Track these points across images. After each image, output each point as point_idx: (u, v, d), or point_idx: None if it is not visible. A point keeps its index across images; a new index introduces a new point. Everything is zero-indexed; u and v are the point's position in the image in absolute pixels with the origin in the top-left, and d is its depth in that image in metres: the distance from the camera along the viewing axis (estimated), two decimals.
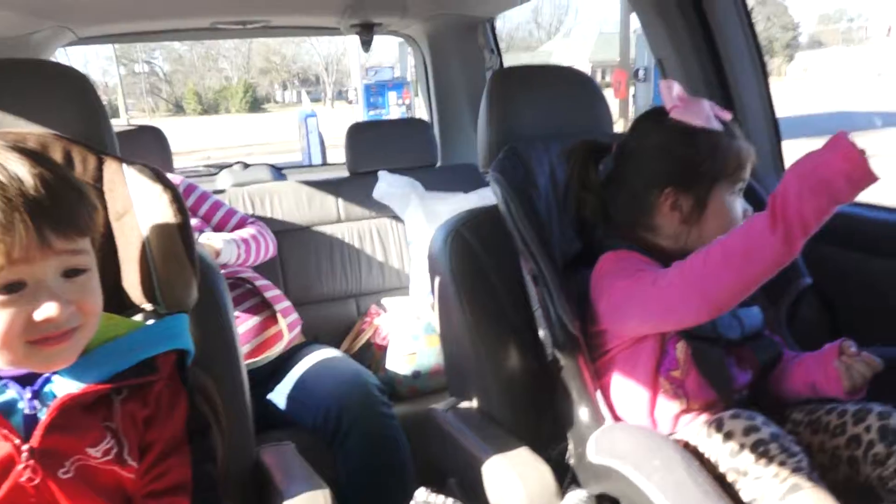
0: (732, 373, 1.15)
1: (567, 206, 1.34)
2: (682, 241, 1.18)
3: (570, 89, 1.48)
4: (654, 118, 1.24)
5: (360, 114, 12.16)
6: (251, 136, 17.71)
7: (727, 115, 1.20)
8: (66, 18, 2.11)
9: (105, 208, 1.03)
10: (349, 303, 2.27)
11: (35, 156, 0.81)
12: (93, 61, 31.51)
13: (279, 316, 1.72)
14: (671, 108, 1.19)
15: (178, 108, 33.42)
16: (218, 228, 1.91)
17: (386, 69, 13.57)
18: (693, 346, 1.11)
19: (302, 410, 1.64)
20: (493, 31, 2.63)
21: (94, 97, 1.11)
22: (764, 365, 1.19)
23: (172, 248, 1.00)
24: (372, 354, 2.02)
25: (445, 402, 1.44)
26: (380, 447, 1.59)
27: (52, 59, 2.30)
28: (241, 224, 1.95)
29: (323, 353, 1.75)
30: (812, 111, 14.94)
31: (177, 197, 1.02)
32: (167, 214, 1.00)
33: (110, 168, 1.04)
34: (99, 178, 1.04)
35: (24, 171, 0.76)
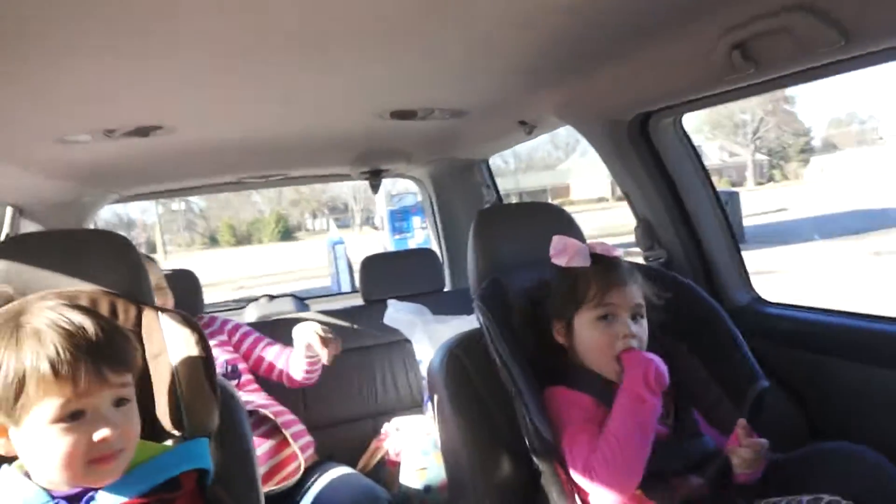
0: (685, 482, 1.30)
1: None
2: (581, 362, 1.41)
3: (547, 222, 1.66)
4: None
5: (386, 238, 12.56)
6: (282, 264, 18.22)
7: (611, 252, 1.44)
8: (111, 185, 2.45)
9: (143, 349, 1.23)
10: (366, 423, 2.42)
11: (91, 310, 1.03)
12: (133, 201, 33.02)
13: (290, 440, 1.86)
14: (550, 255, 1.47)
15: (213, 241, 34.71)
16: (247, 354, 2.12)
17: (409, 195, 14.11)
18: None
19: None
20: (489, 170, 2.91)
21: (134, 255, 1.33)
22: (712, 480, 1.32)
23: (197, 379, 1.18)
24: (387, 472, 2.14)
25: None
26: None
27: (99, 214, 2.60)
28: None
29: (337, 472, 1.89)
30: (835, 210, 15.10)
31: (202, 337, 1.22)
32: (193, 351, 1.20)
33: (148, 316, 1.25)
34: (138, 324, 1.24)
35: (86, 322, 0.98)
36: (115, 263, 1.30)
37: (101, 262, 1.29)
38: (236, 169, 2.53)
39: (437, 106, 1.95)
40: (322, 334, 1.90)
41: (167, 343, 1.23)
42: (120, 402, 1.01)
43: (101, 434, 0.96)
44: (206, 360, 1.21)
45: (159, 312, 1.26)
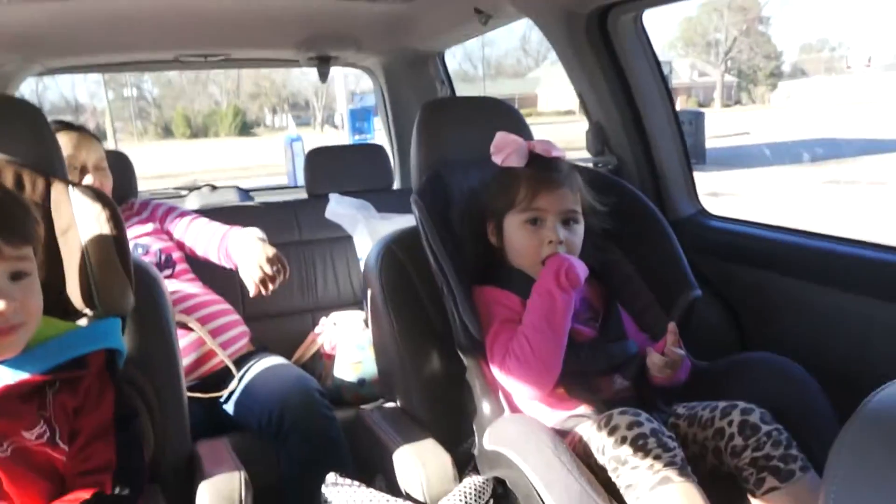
0: (609, 383, 1.31)
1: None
2: (511, 262, 1.40)
3: (494, 119, 1.60)
4: None
5: (345, 138, 12.32)
6: (239, 160, 17.81)
7: (552, 152, 1.39)
8: (32, 52, 2.26)
9: (52, 224, 1.16)
10: (305, 317, 2.39)
11: None
12: (80, 84, 31.67)
13: (209, 341, 1.78)
14: (490, 153, 1.42)
15: (167, 132, 33.54)
16: (170, 228, 2.05)
17: (371, 95, 13.75)
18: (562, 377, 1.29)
19: (248, 414, 1.75)
20: (444, 63, 2.79)
21: (44, 126, 1.24)
22: (635, 380, 1.34)
23: (108, 256, 1.13)
24: (322, 364, 2.14)
25: (374, 403, 1.57)
26: (320, 447, 1.69)
27: (27, 84, 2.43)
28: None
29: (269, 361, 1.86)
30: (797, 137, 15.27)
31: (114, 214, 1.15)
32: (104, 229, 1.13)
33: (57, 189, 1.18)
34: (47, 197, 1.17)
35: None
36: (22, 133, 1.22)
37: (7, 129, 1.20)
38: (172, 44, 2.36)
39: None
40: (268, 270, 1.77)
41: (77, 218, 1.16)
42: (17, 276, 0.95)
43: None
44: (118, 237, 1.15)
45: (70, 186, 1.18)
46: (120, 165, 2.29)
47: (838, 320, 1.47)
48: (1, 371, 0.97)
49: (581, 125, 2.10)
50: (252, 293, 1.78)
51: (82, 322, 1.17)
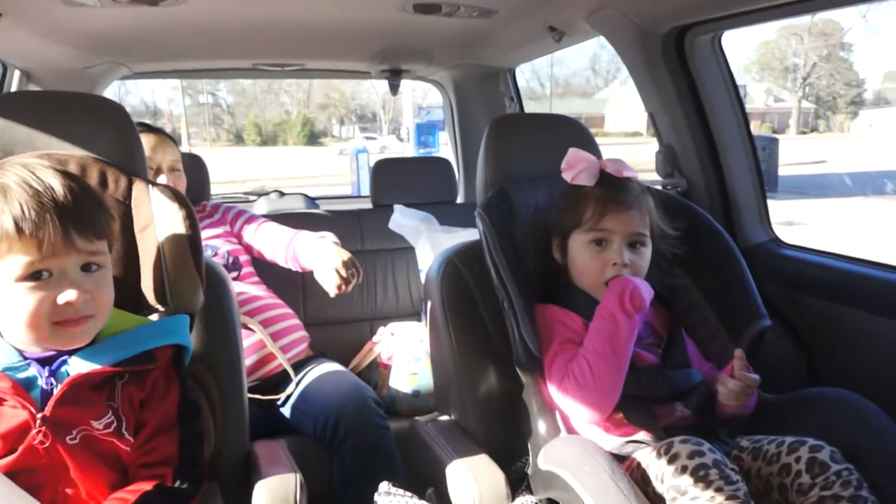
0: (670, 411, 1.28)
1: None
2: (575, 281, 1.38)
3: (563, 136, 1.59)
4: None
5: (411, 151, 12.46)
6: (305, 168, 18.21)
7: (624, 172, 1.36)
8: (120, 56, 2.37)
9: (131, 221, 1.21)
10: (363, 326, 2.42)
11: (66, 172, 0.99)
12: (160, 90, 32.87)
13: (270, 343, 1.80)
14: (561, 169, 1.40)
15: (238, 139, 34.60)
16: (240, 232, 2.10)
17: (438, 109, 13.89)
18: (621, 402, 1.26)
19: (303, 419, 1.77)
20: (514, 79, 2.79)
21: (129, 126, 1.29)
22: (698, 410, 1.30)
23: (182, 255, 1.16)
24: (378, 374, 2.15)
25: (429, 415, 1.57)
26: (373, 456, 1.70)
27: (117, 90, 2.55)
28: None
29: (326, 367, 1.89)
30: (878, 168, 14.66)
31: (190, 214, 1.19)
32: (180, 228, 1.17)
33: (138, 188, 1.22)
34: (128, 195, 1.21)
35: (55, 183, 0.95)
36: (109, 132, 1.26)
37: (95, 128, 1.25)
38: (250, 53, 2.44)
39: (463, 2, 1.84)
40: (343, 273, 1.81)
41: (155, 217, 1.20)
42: (89, 268, 0.99)
43: (65, 297, 0.94)
44: (193, 237, 1.18)
45: (150, 186, 1.22)
46: (195, 168, 2.38)
47: None
48: (74, 361, 1.01)
49: (647, 147, 2.07)
50: (332, 294, 1.82)
51: (154, 317, 1.20)
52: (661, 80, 1.76)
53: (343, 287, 1.81)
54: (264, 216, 2.24)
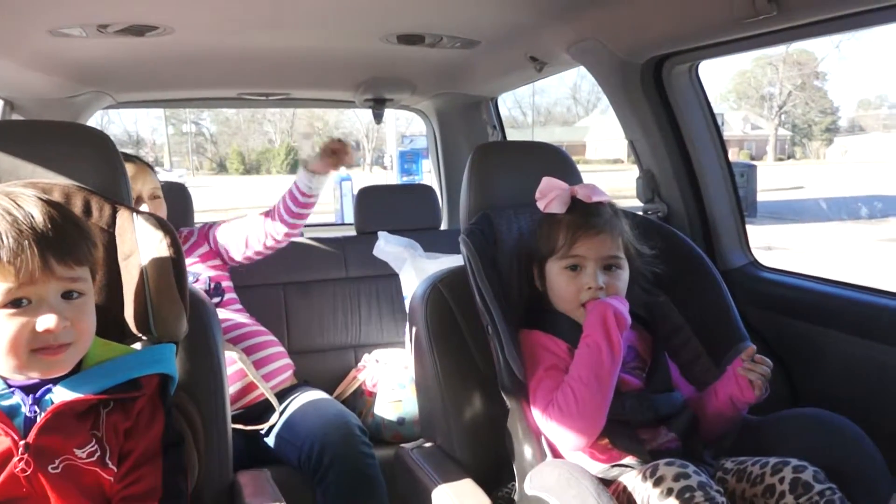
0: (655, 435, 1.29)
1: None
2: (556, 306, 1.40)
3: (545, 163, 1.61)
4: None
5: (394, 179, 12.51)
6: None
7: (593, 197, 1.39)
8: (105, 86, 2.39)
9: (115, 249, 1.20)
10: (348, 353, 2.41)
11: (47, 200, 1.00)
12: (143, 119, 33.00)
13: (252, 375, 1.79)
14: (536, 198, 1.43)
15: (222, 168, 34.55)
16: (214, 236, 2.12)
17: (421, 138, 13.98)
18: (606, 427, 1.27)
19: (287, 448, 1.76)
20: (497, 108, 2.83)
21: (114, 155, 1.29)
22: (683, 433, 1.32)
23: (166, 281, 1.15)
24: (363, 401, 2.14)
25: (414, 442, 1.57)
26: (357, 484, 1.69)
27: (100, 119, 2.55)
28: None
29: (310, 395, 1.88)
30: (854, 193, 14.91)
31: (174, 241, 1.19)
32: (163, 253, 1.17)
33: (122, 216, 1.22)
34: (112, 223, 1.21)
35: (35, 210, 0.95)
36: (94, 160, 1.26)
37: (80, 157, 1.25)
38: (236, 83, 2.47)
39: (445, 33, 1.88)
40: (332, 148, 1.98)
41: (139, 245, 1.20)
42: (70, 295, 0.98)
43: (44, 323, 0.94)
44: (177, 262, 1.18)
45: (134, 214, 1.22)
46: (178, 196, 2.38)
47: (893, 377, 1.42)
48: (58, 389, 1.00)
49: (629, 174, 2.10)
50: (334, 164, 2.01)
51: (137, 346, 1.20)
52: (641, 108, 1.79)
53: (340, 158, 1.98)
54: None
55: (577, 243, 1.34)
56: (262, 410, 1.84)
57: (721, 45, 1.57)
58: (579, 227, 1.35)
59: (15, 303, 0.93)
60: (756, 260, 1.90)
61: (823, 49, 35.98)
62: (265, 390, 1.75)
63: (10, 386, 0.99)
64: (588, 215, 1.37)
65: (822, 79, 35.24)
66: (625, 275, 1.38)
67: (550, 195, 1.40)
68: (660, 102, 1.79)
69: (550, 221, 1.40)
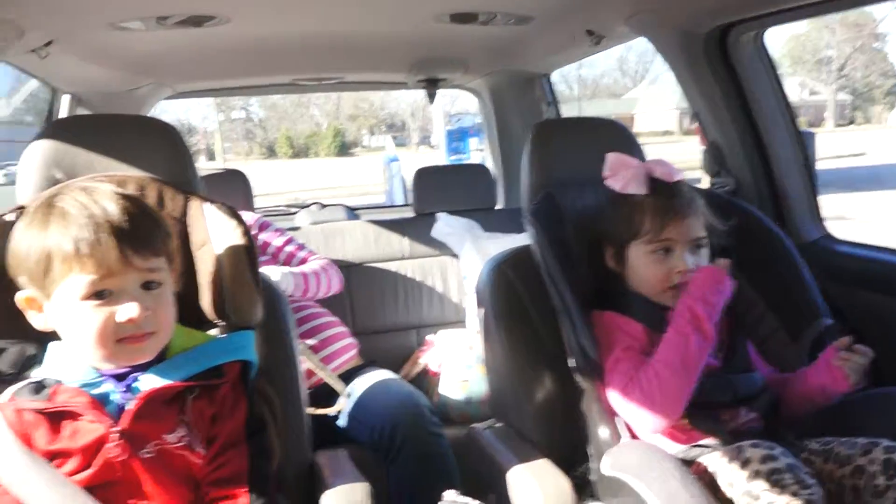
0: (735, 415, 1.27)
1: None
2: (634, 288, 1.36)
3: (606, 139, 1.58)
4: None
5: (442, 158, 12.44)
6: (338, 179, 18.33)
7: (674, 177, 1.34)
8: (165, 77, 2.44)
9: (188, 239, 1.23)
10: (410, 333, 2.43)
11: (122, 193, 1.03)
12: (194, 108, 33.49)
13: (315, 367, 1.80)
14: (604, 177, 1.38)
15: (271, 152, 35.04)
16: (286, 262, 2.11)
17: (468, 116, 13.85)
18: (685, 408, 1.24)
19: (358, 427, 1.79)
20: (550, 84, 2.79)
21: (182, 147, 1.31)
22: (765, 414, 1.28)
23: (240, 271, 1.17)
24: (428, 381, 2.16)
25: (486, 422, 1.57)
26: (429, 464, 1.71)
27: (154, 109, 2.62)
28: (305, 260, 2.13)
29: (379, 375, 1.90)
30: None
31: (246, 231, 1.21)
32: (236, 241, 1.19)
33: (194, 205, 1.24)
34: (185, 213, 1.23)
35: (111, 204, 0.98)
36: (163, 151, 1.29)
37: (150, 149, 1.28)
38: (291, 69, 2.49)
39: (499, 10, 1.85)
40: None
41: (211, 233, 1.22)
42: (149, 285, 1.01)
43: (126, 314, 0.97)
44: (249, 249, 1.19)
45: (205, 203, 1.24)
46: (238, 183, 2.42)
47: None
48: (145, 377, 1.03)
49: (679, 146, 2.04)
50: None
51: (214, 332, 1.22)
52: (705, 80, 1.74)
53: None
54: (306, 230, 2.27)
55: (667, 228, 1.31)
56: (330, 390, 1.86)
57: (787, 12, 1.51)
58: (667, 210, 1.31)
59: (98, 294, 0.97)
60: (829, 233, 1.84)
61: (882, 9, 34.45)
62: (327, 378, 1.76)
63: (101, 375, 1.02)
64: (673, 197, 1.33)
65: (881, 40, 33.71)
66: (707, 252, 1.35)
67: (625, 174, 1.36)
68: (725, 73, 1.73)
69: (630, 203, 1.35)
